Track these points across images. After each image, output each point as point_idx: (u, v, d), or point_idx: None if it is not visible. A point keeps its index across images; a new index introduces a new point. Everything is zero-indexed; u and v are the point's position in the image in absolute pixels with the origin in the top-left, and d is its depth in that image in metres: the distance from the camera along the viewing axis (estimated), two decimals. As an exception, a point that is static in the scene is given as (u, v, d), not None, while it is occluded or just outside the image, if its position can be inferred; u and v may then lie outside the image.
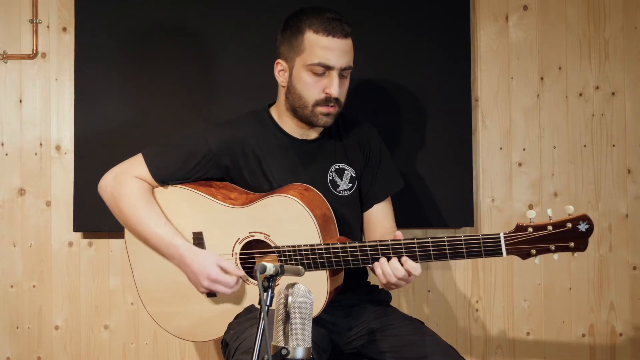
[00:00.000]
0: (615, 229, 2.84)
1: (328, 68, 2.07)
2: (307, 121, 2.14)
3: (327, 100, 2.09)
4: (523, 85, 2.84)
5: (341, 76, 2.10)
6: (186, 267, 2.09)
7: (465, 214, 2.75)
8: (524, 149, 2.83)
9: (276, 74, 2.17)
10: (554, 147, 2.84)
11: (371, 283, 2.31)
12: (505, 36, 2.84)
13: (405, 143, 2.71)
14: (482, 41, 2.83)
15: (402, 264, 1.94)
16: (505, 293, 2.83)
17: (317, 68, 2.07)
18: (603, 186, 2.84)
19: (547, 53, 2.84)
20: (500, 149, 2.83)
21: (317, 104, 2.10)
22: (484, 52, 2.83)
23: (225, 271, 2.05)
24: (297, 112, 2.14)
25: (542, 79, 2.84)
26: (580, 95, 2.84)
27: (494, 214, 2.83)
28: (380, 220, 2.28)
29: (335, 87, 2.07)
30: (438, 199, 2.74)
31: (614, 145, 2.84)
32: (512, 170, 2.83)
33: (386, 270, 1.94)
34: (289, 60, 2.12)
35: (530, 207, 2.82)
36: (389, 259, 1.95)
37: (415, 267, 1.94)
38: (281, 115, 2.20)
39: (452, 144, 2.75)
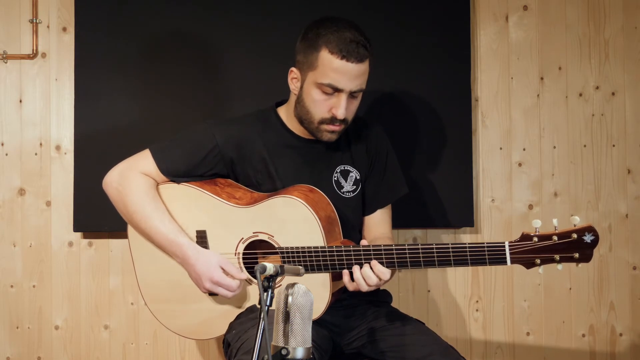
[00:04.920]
0: (615, 229, 2.84)
1: (337, 90, 2.05)
2: (312, 134, 2.15)
3: (333, 120, 2.08)
4: (523, 85, 2.84)
5: (351, 96, 2.08)
6: (189, 266, 2.09)
7: (465, 214, 2.75)
8: (524, 149, 2.83)
9: (289, 80, 2.15)
10: (554, 147, 2.84)
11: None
12: (505, 36, 2.84)
13: (405, 143, 2.71)
14: (482, 41, 2.83)
15: (372, 269, 1.95)
16: (505, 293, 2.83)
17: (326, 88, 2.05)
18: (603, 186, 2.84)
19: (547, 53, 2.84)
20: (500, 149, 2.83)
21: (323, 122, 2.09)
22: (484, 52, 2.83)
23: (227, 274, 2.05)
24: (303, 123, 2.14)
25: (542, 79, 2.84)
26: (580, 95, 2.84)
27: (494, 214, 2.83)
28: (376, 224, 2.28)
29: (342, 110, 2.06)
30: (438, 199, 2.74)
31: (614, 145, 2.84)
32: (512, 170, 2.83)
33: (358, 279, 1.95)
34: (302, 72, 2.10)
35: (530, 207, 2.82)
36: (360, 266, 1.96)
37: (383, 271, 1.95)
38: (289, 117, 2.20)
39: (452, 144, 2.75)
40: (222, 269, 2.06)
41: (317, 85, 2.06)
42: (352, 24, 2.07)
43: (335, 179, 2.21)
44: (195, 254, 2.07)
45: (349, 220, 2.18)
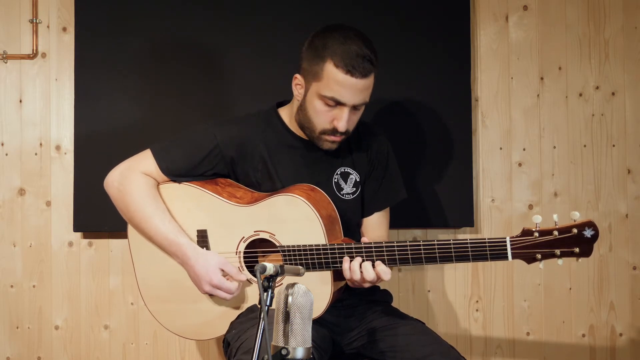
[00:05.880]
0: (615, 229, 2.84)
1: (340, 103, 2.04)
2: (312, 141, 2.15)
3: (334, 131, 2.08)
4: (523, 85, 2.84)
5: (354, 109, 2.07)
6: (188, 267, 2.09)
7: (465, 214, 2.75)
8: (524, 149, 2.83)
9: (293, 86, 2.14)
10: (554, 147, 2.84)
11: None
12: (505, 36, 2.84)
13: (405, 143, 2.71)
14: (482, 41, 2.83)
15: (374, 267, 1.95)
16: (505, 293, 2.83)
17: (329, 101, 2.04)
18: (603, 186, 2.84)
19: (547, 53, 2.84)
20: (500, 149, 2.83)
21: (324, 132, 2.09)
22: (484, 52, 2.83)
23: (226, 275, 2.05)
24: (305, 131, 2.14)
25: (542, 79, 2.84)
26: (580, 95, 2.84)
27: (494, 214, 2.83)
28: (373, 227, 2.29)
29: (343, 123, 2.05)
30: (438, 199, 2.74)
31: (614, 145, 2.84)
32: (512, 170, 2.83)
33: (354, 267, 1.95)
34: (307, 80, 2.08)
35: (530, 207, 2.82)
36: (363, 261, 1.96)
37: (386, 271, 1.95)
38: (291, 118, 2.19)
39: (452, 144, 2.75)
40: (222, 270, 2.06)
41: (320, 96, 2.05)
42: (359, 36, 2.04)
43: (335, 180, 2.21)
44: (194, 255, 2.07)
45: (347, 222, 2.18)
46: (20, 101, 2.76)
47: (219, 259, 2.07)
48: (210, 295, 2.13)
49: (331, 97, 2.03)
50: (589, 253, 1.84)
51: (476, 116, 2.82)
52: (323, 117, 2.07)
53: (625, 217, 2.84)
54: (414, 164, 2.72)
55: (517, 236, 1.87)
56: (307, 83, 2.08)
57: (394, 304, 2.31)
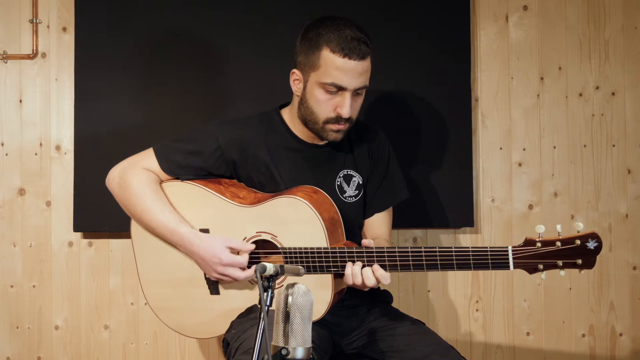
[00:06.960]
0: (615, 229, 2.84)
1: (341, 88, 2.05)
2: (317, 134, 2.14)
3: (338, 119, 2.08)
4: (523, 85, 2.84)
5: (355, 94, 2.07)
6: (194, 254, 2.08)
7: (465, 214, 2.75)
8: (524, 149, 2.83)
9: (291, 82, 2.14)
10: (554, 147, 2.84)
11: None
12: (505, 36, 2.84)
13: (405, 143, 2.71)
14: (482, 41, 2.83)
15: (373, 272, 1.95)
16: (505, 293, 2.83)
17: (330, 87, 2.04)
18: (603, 186, 2.84)
19: (547, 53, 2.84)
20: (500, 149, 2.83)
21: (328, 121, 2.09)
22: (484, 52, 2.83)
23: (234, 250, 2.05)
24: (308, 124, 2.13)
25: (542, 79, 2.84)
26: (580, 95, 2.84)
27: (494, 214, 2.83)
28: (374, 227, 2.29)
29: (346, 108, 2.05)
30: (438, 199, 2.74)
31: (614, 145, 2.84)
32: (512, 170, 2.83)
33: (355, 271, 1.95)
34: (304, 72, 2.09)
35: (530, 207, 2.82)
36: (363, 267, 1.96)
37: (385, 276, 1.95)
38: (293, 120, 2.19)
39: (452, 144, 2.75)
40: (229, 247, 2.05)
41: (321, 85, 2.05)
42: (351, 22, 2.07)
43: (338, 183, 2.21)
44: (197, 241, 2.07)
45: (350, 225, 2.18)
46: (20, 101, 2.76)
47: (222, 238, 2.06)
48: (215, 290, 2.12)
49: (331, 82, 2.03)
50: (591, 265, 1.82)
51: (476, 116, 2.82)
52: (325, 106, 2.07)
53: (625, 217, 2.84)
54: (414, 164, 2.72)
55: (519, 246, 1.85)
56: (306, 75, 2.09)
57: (394, 304, 2.31)
